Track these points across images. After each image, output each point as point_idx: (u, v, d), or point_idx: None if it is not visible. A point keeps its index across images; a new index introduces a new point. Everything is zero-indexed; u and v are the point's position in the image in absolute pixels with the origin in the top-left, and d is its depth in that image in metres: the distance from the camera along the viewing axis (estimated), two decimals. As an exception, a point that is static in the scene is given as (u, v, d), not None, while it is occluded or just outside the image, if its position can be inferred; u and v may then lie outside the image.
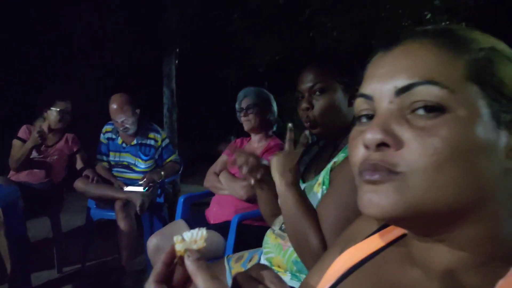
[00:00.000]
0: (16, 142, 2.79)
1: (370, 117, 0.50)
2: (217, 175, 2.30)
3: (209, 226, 2.11)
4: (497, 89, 0.45)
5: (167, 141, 3.03)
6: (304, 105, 1.23)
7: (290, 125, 1.20)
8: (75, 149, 3.03)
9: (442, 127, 0.43)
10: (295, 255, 1.15)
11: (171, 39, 5.03)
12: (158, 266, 0.52)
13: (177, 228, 2.11)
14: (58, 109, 2.88)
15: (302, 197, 1.10)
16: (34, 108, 2.92)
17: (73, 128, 3.07)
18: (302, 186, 1.27)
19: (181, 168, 3.15)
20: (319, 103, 1.22)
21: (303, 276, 1.16)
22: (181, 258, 0.51)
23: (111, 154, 2.98)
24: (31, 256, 2.57)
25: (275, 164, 1.12)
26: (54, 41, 6.45)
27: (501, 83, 0.45)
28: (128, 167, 2.94)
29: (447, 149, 0.42)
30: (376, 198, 0.46)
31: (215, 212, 2.21)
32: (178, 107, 5.33)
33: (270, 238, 1.32)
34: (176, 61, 5.20)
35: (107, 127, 3.01)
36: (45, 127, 2.92)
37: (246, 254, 1.54)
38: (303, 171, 1.36)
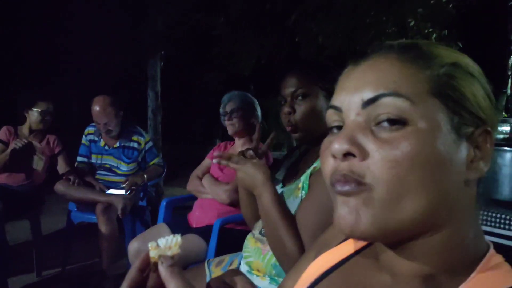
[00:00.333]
0: (-5, 144, 2.75)
1: (340, 128, 0.52)
2: (200, 179, 2.30)
3: (191, 230, 2.10)
4: (458, 103, 0.47)
5: (150, 144, 3.01)
6: (286, 109, 1.24)
7: (274, 133, 1.22)
8: (56, 151, 2.99)
9: (403, 140, 0.45)
10: (274, 259, 1.16)
11: (155, 41, 5.01)
12: (132, 272, 0.52)
13: (158, 232, 2.10)
14: (39, 110, 2.84)
15: (278, 200, 1.12)
16: (15, 110, 2.88)
17: (55, 129, 3.03)
18: (281, 190, 1.28)
19: (165, 171, 3.13)
20: (300, 108, 1.23)
21: (281, 280, 1.17)
22: (155, 265, 0.51)
23: (93, 156, 2.95)
24: (9, 259, 2.53)
25: (242, 177, 1.13)
26: (36, 42, 6.35)
27: (462, 98, 0.47)
28: (111, 169, 2.91)
29: (407, 162, 0.44)
30: (347, 216, 0.47)
31: (197, 216, 2.21)
32: (162, 110, 5.31)
33: (250, 242, 1.33)
34: (161, 64, 5.18)
35: (89, 129, 2.97)
36: (26, 128, 2.88)
37: (227, 258, 1.54)
38: (283, 175, 1.37)
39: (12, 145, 2.66)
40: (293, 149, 1.46)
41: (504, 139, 1.30)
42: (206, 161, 2.40)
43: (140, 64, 5.39)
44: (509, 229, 1.15)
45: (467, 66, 0.49)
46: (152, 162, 2.99)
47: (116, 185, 2.83)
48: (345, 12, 5.64)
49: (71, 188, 2.73)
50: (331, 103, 0.53)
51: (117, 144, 2.89)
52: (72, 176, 2.79)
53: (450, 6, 6.54)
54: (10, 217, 2.67)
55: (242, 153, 1.27)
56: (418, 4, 6.17)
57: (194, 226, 2.19)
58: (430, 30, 6.67)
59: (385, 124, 0.46)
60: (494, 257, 0.50)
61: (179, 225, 2.19)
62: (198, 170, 2.36)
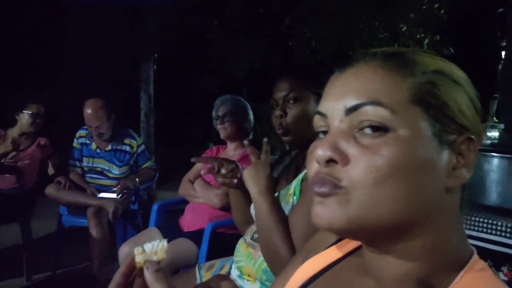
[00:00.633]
0: (-15, 146, 2.72)
1: (326, 133, 0.52)
2: (192, 182, 2.30)
3: (182, 234, 2.10)
4: (440, 110, 0.47)
5: (143, 147, 3.00)
6: (277, 112, 1.25)
7: (265, 139, 1.23)
8: (47, 154, 2.96)
9: (383, 146, 0.45)
10: (265, 264, 1.16)
11: (149, 44, 5.01)
12: (117, 277, 0.52)
13: (149, 236, 2.09)
14: (30, 112, 2.82)
15: (275, 207, 1.12)
16: (5, 112, 2.86)
17: (46, 132, 3.01)
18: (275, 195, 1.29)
19: (157, 175, 3.12)
20: (292, 111, 1.24)
21: (271, 285, 1.17)
22: (141, 270, 0.51)
23: (84, 159, 2.93)
24: (-2, 263, 2.51)
25: (249, 173, 1.13)
26: (27, 45, 6.31)
27: (444, 105, 0.47)
28: (102, 173, 2.89)
29: (387, 167, 0.45)
30: (323, 211, 0.48)
31: (189, 220, 2.20)
32: (156, 113, 5.30)
33: (241, 247, 1.33)
34: (154, 67, 5.17)
35: (81, 132, 2.96)
36: (16, 131, 2.85)
37: (217, 262, 1.54)
38: (275, 180, 1.37)
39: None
40: (284, 153, 1.47)
41: (491, 144, 1.31)
42: (198, 165, 2.39)
43: (133, 66, 5.38)
44: (496, 234, 1.16)
45: (451, 73, 0.50)
46: (144, 166, 2.98)
47: (107, 189, 2.81)
48: (338, 17, 5.69)
49: (62, 191, 2.71)
50: (318, 109, 0.54)
51: (109, 147, 2.87)
52: (63, 179, 2.77)
53: (442, 12, 6.60)
54: (0, 221, 2.65)
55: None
56: (410, 9, 6.22)
57: (185, 230, 2.18)
58: (422, 35, 6.73)
59: (367, 131, 0.47)
60: (477, 263, 0.51)
61: (170, 229, 2.18)
62: (190, 174, 2.36)
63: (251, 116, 2.37)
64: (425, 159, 0.46)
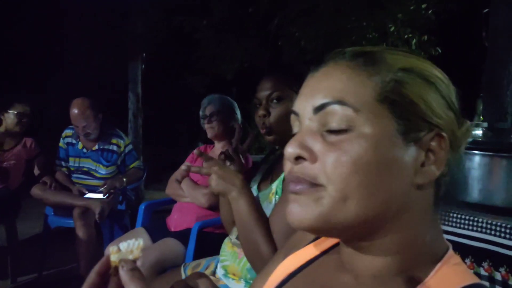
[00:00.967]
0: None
1: None
2: (180, 182, 2.29)
3: (170, 234, 2.09)
4: (406, 108, 0.48)
5: (130, 147, 2.98)
6: (261, 112, 1.25)
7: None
8: (33, 154, 2.93)
9: (346, 143, 0.47)
10: (252, 267, 1.16)
11: (136, 44, 4.97)
12: (91, 277, 0.52)
13: (136, 236, 2.07)
14: (15, 112, 2.79)
15: (254, 205, 1.11)
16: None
17: (32, 132, 2.97)
18: (257, 194, 1.28)
19: (144, 175, 3.10)
20: (275, 111, 1.24)
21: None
22: (116, 269, 0.51)
23: (71, 159, 2.90)
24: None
25: (223, 175, 1.12)
26: (14, 45, 6.24)
27: (411, 103, 0.48)
28: (88, 173, 2.87)
29: (351, 164, 0.46)
30: (295, 209, 0.49)
31: (176, 220, 2.19)
32: (144, 113, 5.27)
33: (227, 246, 1.33)
34: (142, 66, 5.14)
35: (67, 132, 2.93)
36: (2, 131, 2.81)
37: (203, 262, 1.54)
38: (259, 180, 1.37)
39: None
40: (269, 153, 1.47)
41: (473, 142, 1.33)
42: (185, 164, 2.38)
43: (120, 66, 5.34)
44: (476, 231, 1.18)
45: (423, 71, 0.50)
46: (132, 165, 2.96)
47: (94, 189, 2.78)
48: (327, 17, 5.71)
49: (48, 192, 2.69)
50: (292, 108, 0.55)
51: (96, 147, 2.85)
52: (49, 179, 2.74)
53: (430, 12, 6.66)
54: (-16, 222, 2.61)
55: (223, 154, 1.27)
56: (398, 9, 6.26)
57: (172, 229, 2.17)
58: (410, 35, 6.78)
59: (332, 128, 0.49)
60: (452, 257, 0.51)
61: (157, 229, 2.17)
62: (177, 174, 2.35)
63: (239, 115, 2.36)
64: (388, 155, 0.47)
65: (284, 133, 1.26)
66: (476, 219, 1.19)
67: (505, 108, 3.10)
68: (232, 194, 1.10)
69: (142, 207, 2.39)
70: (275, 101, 1.24)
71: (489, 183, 1.22)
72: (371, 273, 0.51)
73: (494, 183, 1.23)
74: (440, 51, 6.73)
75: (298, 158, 0.49)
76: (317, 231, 0.53)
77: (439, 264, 0.49)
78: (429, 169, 0.49)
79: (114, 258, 0.51)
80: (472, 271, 1.23)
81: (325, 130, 0.49)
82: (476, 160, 1.22)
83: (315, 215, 0.48)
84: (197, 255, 1.88)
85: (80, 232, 2.50)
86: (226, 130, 2.28)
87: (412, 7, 6.38)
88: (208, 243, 1.89)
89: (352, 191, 0.46)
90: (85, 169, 2.87)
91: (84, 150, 2.87)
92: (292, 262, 0.64)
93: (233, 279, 1.25)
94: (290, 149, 0.50)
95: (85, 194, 2.75)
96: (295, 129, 0.55)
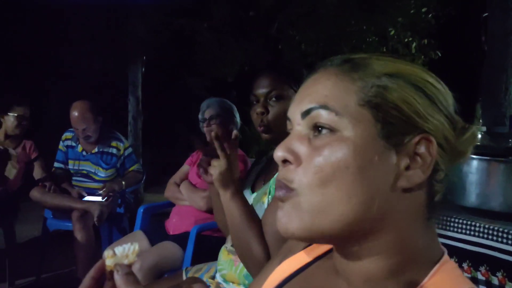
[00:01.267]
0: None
1: None
2: (178, 185, 2.29)
3: (168, 237, 2.09)
4: (389, 112, 0.48)
5: (130, 150, 2.98)
6: (259, 109, 1.24)
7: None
8: (33, 157, 2.93)
9: (326, 147, 0.48)
10: (245, 269, 1.16)
11: (137, 47, 4.98)
12: (86, 281, 0.52)
13: (135, 240, 2.07)
14: (15, 115, 2.79)
15: (247, 207, 1.11)
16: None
17: (31, 134, 2.97)
18: (252, 196, 1.28)
19: (144, 178, 3.10)
20: (274, 109, 1.23)
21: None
22: (111, 273, 0.51)
23: (70, 162, 2.90)
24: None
25: (218, 175, 1.10)
26: (14, 47, 6.25)
27: (394, 107, 0.48)
28: (88, 176, 2.87)
29: (329, 167, 0.47)
30: (281, 216, 0.51)
31: (174, 223, 2.19)
32: (144, 116, 5.27)
33: (223, 255, 1.32)
34: (143, 69, 5.15)
35: (67, 134, 2.93)
36: (1, 133, 2.81)
37: (205, 266, 1.53)
38: (253, 182, 1.37)
39: None
40: (261, 155, 1.46)
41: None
42: (185, 167, 2.39)
43: (121, 69, 5.35)
44: (474, 235, 1.18)
45: (409, 76, 0.50)
46: (131, 169, 2.96)
47: (93, 192, 2.78)
48: (327, 21, 5.72)
49: (47, 195, 2.68)
50: (287, 113, 0.56)
51: (96, 150, 2.85)
52: (48, 182, 2.74)
53: (430, 16, 6.68)
54: (-17, 225, 2.61)
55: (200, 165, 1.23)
56: (398, 13, 6.28)
57: (171, 233, 2.17)
58: (410, 39, 6.80)
59: (317, 133, 0.50)
60: (447, 263, 0.51)
61: (156, 232, 2.17)
62: (176, 176, 2.35)
63: (238, 118, 2.37)
64: (369, 159, 0.47)
65: (282, 132, 1.25)
66: (473, 223, 1.19)
67: (503, 112, 3.10)
68: (225, 195, 1.09)
69: (140, 210, 2.39)
70: (274, 99, 1.23)
71: (487, 187, 1.22)
72: (363, 278, 0.51)
73: (492, 188, 1.23)
74: (440, 54, 6.74)
75: (285, 162, 0.51)
76: (304, 239, 0.54)
77: (434, 269, 0.49)
78: (414, 173, 0.48)
79: (109, 262, 0.51)
80: (469, 275, 1.22)
81: (312, 135, 0.50)
82: (474, 164, 1.22)
83: (297, 223, 0.49)
84: (196, 259, 1.88)
85: (79, 235, 2.49)
86: (225, 133, 2.27)
87: (412, 11, 6.40)
88: (207, 246, 1.89)
89: (331, 196, 0.47)
90: (84, 171, 2.87)
91: (84, 153, 2.87)
92: (288, 267, 0.64)
93: (233, 283, 1.25)
94: (278, 152, 0.51)
95: (84, 197, 2.75)
96: (290, 132, 0.56)
